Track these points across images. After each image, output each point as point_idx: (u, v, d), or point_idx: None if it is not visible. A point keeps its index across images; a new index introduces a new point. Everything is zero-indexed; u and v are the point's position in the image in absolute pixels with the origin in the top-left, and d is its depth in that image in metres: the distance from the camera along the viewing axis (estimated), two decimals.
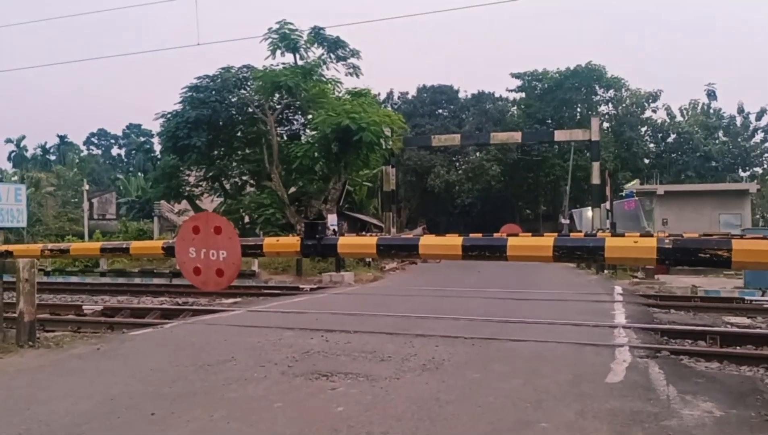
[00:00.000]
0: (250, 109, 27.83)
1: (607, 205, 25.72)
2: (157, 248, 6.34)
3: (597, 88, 44.93)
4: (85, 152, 76.57)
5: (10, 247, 7.91)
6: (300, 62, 27.03)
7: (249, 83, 28.12)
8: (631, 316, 11.03)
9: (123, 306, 14.28)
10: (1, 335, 8.29)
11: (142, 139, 71.70)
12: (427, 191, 44.31)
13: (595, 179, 29.69)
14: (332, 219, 23.21)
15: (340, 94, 27.74)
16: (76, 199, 46.49)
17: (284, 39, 26.37)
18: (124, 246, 6.72)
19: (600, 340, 8.37)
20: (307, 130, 28.91)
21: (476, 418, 4.87)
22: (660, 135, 45.98)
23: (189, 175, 30.73)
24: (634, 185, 31.70)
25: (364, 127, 23.35)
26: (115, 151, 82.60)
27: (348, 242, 5.38)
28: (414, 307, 12.33)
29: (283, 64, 27.00)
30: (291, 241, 5.38)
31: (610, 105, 45.97)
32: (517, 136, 34.84)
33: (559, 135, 33.70)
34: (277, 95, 27.30)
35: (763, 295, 14.91)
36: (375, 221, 34.36)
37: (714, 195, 26.28)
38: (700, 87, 57.36)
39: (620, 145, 43.34)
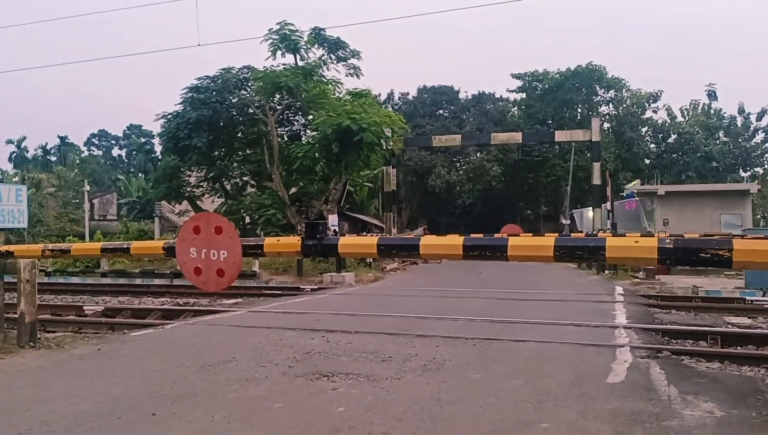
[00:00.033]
0: (251, 110, 27.85)
1: (608, 205, 25.71)
2: (157, 248, 6.35)
3: (597, 88, 44.93)
4: (86, 153, 76.63)
5: (11, 248, 7.91)
6: (300, 63, 27.06)
7: (249, 84, 28.15)
8: (632, 316, 11.02)
9: (124, 307, 14.28)
10: (2, 336, 8.30)
11: (142, 139, 71.90)
12: (428, 192, 44.31)
13: (596, 180, 29.69)
14: (333, 219, 23.21)
15: (341, 95, 27.76)
16: (77, 200, 46.49)
17: (285, 40, 26.40)
18: (124, 246, 6.73)
19: (601, 340, 8.37)
20: (308, 131, 28.93)
21: (477, 419, 4.87)
22: (661, 135, 45.98)
23: (190, 176, 30.76)
24: (634, 186, 31.70)
25: (364, 127, 23.35)
26: (115, 151, 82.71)
27: (349, 242, 5.38)
28: (415, 307, 12.33)
29: (284, 64, 27.04)
30: (292, 241, 5.38)
31: (610, 105, 45.99)
32: (517, 137, 34.85)
33: (560, 135, 33.71)
34: (277, 96, 27.33)
35: (763, 296, 14.91)
36: (376, 222, 34.37)
37: (715, 195, 26.28)
38: (700, 87, 57.46)
39: (621, 145, 43.33)
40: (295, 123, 30.34)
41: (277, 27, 26.37)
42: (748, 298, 14.34)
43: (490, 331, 8.99)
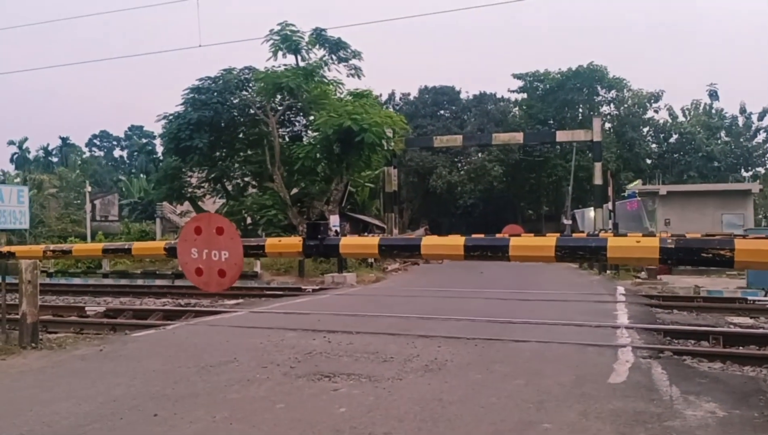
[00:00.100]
0: (252, 111, 27.88)
1: (610, 205, 25.67)
2: (159, 249, 6.34)
3: (599, 88, 44.91)
4: (88, 154, 76.71)
5: (13, 249, 7.91)
6: (301, 63, 27.09)
7: (251, 85, 28.19)
8: (634, 316, 11.01)
9: (125, 307, 14.30)
10: (4, 336, 8.31)
11: (144, 140, 72.00)
12: (429, 192, 44.30)
13: (598, 180, 29.66)
14: (334, 220, 23.20)
15: (342, 96, 27.79)
16: (79, 201, 46.53)
17: (286, 40, 26.43)
18: (126, 247, 6.72)
19: (602, 340, 8.36)
20: (309, 132, 28.97)
21: (479, 419, 4.87)
22: (662, 135, 45.96)
23: (191, 177, 30.80)
24: (636, 185, 31.66)
25: (365, 128, 23.36)
26: (117, 152, 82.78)
27: (350, 243, 5.37)
28: (416, 307, 12.33)
29: (285, 65, 27.09)
30: (293, 242, 5.37)
31: (612, 105, 45.98)
32: (519, 137, 34.82)
33: (561, 135, 33.68)
34: (278, 96, 27.36)
35: (765, 295, 14.88)
36: (377, 222, 34.37)
37: (716, 195, 26.24)
38: (702, 87, 57.37)
39: (622, 145, 43.30)
40: (297, 124, 30.38)
41: (278, 28, 26.42)
42: (749, 298, 14.33)
43: (492, 332, 8.99)
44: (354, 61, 27.79)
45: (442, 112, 48.34)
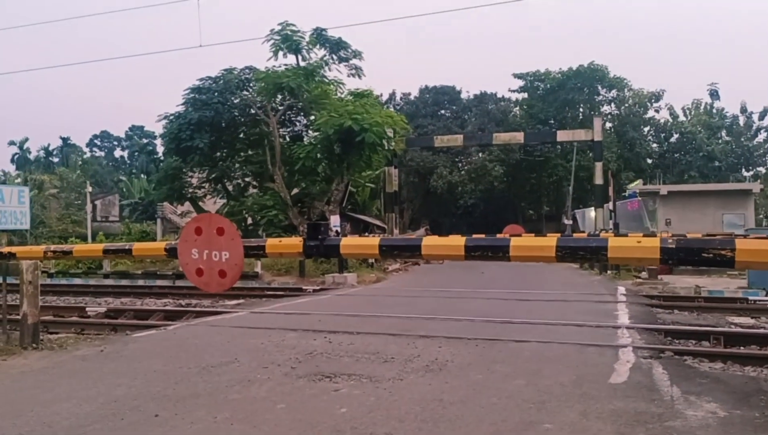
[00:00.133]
0: (253, 111, 27.88)
1: (610, 205, 25.66)
2: (159, 250, 6.35)
3: (599, 88, 44.90)
4: (88, 154, 76.74)
5: (14, 249, 7.92)
6: (302, 63, 27.09)
7: (251, 84, 28.18)
8: (635, 316, 11.01)
9: (126, 308, 14.31)
10: (5, 337, 8.32)
11: (144, 140, 72.08)
12: (430, 192, 44.30)
13: (598, 179, 29.65)
14: (335, 220, 23.20)
15: (343, 95, 27.79)
16: (79, 201, 46.54)
17: (286, 40, 26.42)
18: (126, 248, 6.73)
19: (603, 340, 8.36)
20: (310, 132, 28.96)
21: (480, 419, 4.87)
22: (663, 135, 45.93)
23: (192, 177, 30.80)
24: (637, 185, 31.64)
25: (366, 128, 23.36)
26: (117, 153, 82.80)
27: (350, 243, 5.38)
28: (417, 308, 12.33)
29: (286, 65, 27.08)
30: (293, 242, 5.38)
31: (612, 105, 45.97)
32: (519, 137, 34.81)
33: (562, 135, 33.67)
34: (279, 96, 27.36)
35: (766, 295, 14.87)
36: (378, 222, 34.35)
37: (717, 195, 26.22)
38: (702, 87, 57.35)
39: (623, 145, 43.28)
40: (297, 124, 30.38)
41: (279, 28, 26.41)
42: (750, 298, 14.32)
43: (493, 332, 8.99)
44: (354, 61, 27.82)
45: (442, 111, 48.35)
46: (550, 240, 4.46)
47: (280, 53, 26.68)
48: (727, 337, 8.97)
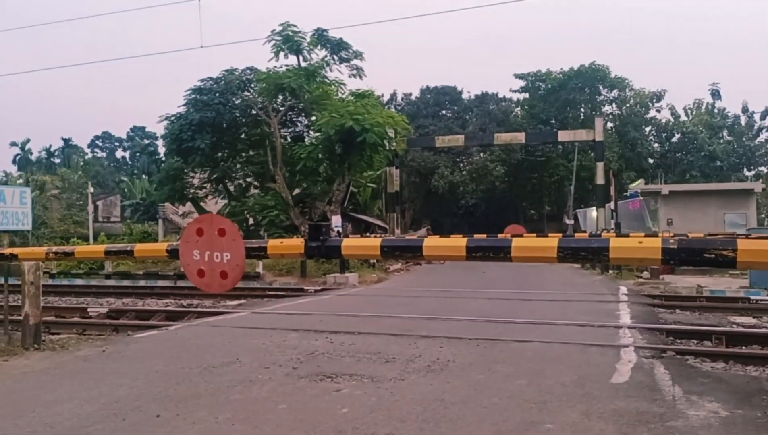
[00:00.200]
0: (254, 111, 27.89)
1: (612, 205, 25.67)
2: (161, 251, 6.35)
3: (601, 88, 44.86)
4: (90, 155, 76.86)
5: (15, 250, 7.93)
6: (303, 64, 27.10)
7: (252, 85, 28.19)
8: (636, 316, 11.01)
9: (128, 308, 14.32)
10: (6, 338, 8.33)
11: (146, 141, 72.17)
12: (431, 192, 44.29)
13: (600, 179, 29.65)
14: (336, 220, 23.21)
15: (344, 96, 27.80)
16: (81, 202, 46.60)
17: (287, 41, 26.43)
18: (128, 249, 6.74)
19: (605, 340, 8.36)
20: (311, 132, 28.98)
21: (481, 419, 4.86)
22: (664, 135, 45.87)
23: (193, 178, 30.81)
24: (638, 185, 31.60)
25: (367, 128, 23.37)
26: (119, 153, 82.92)
27: (352, 244, 5.37)
28: (418, 308, 12.33)
29: (287, 66, 27.10)
30: (295, 243, 5.37)
31: (614, 105, 45.91)
32: (520, 137, 34.82)
33: (563, 135, 33.67)
34: (280, 97, 27.37)
35: None
36: (379, 222, 34.36)
37: (719, 194, 26.17)
38: (704, 86, 57.24)
39: (624, 145, 43.25)
40: (298, 124, 30.38)
41: (280, 28, 26.43)
42: (752, 297, 14.29)
43: (494, 332, 8.99)
44: (355, 62, 27.82)
45: (443, 112, 48.33)
46: (552, 240, 4.45)
47: (281, 54, 26.72)
48: (729, 336, 8.96)
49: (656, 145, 46.28)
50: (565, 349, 7.73)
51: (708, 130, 43.72)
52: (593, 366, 6.76)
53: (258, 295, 16.44)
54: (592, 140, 30.77)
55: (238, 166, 30.35)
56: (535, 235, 17.14)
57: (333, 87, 27.64)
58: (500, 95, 48.66)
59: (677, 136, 45.23)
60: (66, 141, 73.26)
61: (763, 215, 36.53)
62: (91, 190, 41.86)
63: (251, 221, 28.88)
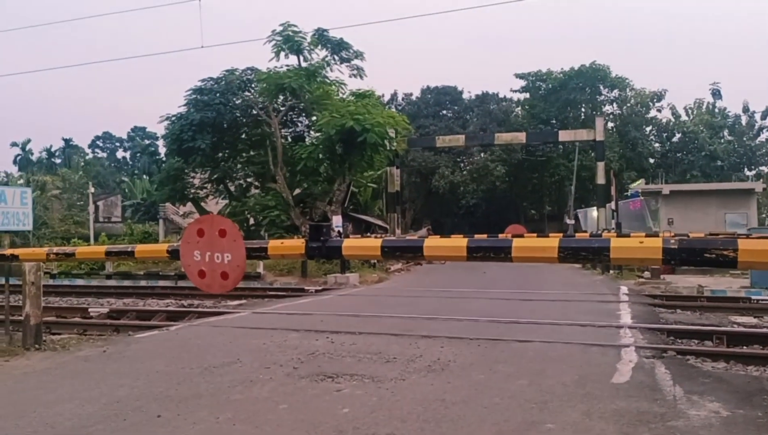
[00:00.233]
0: (255, 111, 27.90)
1: (613, 205, 25.66)
2: (162, 251, 6.35)
3: (601, 88, 44.84)
4: (90, 155, 76.91)
5: (16, 251, 7.93)
6: (304, 64, 27.10)
7: (253, 85, 28.19)
8: (637, 316, 11.00)
9: (129, 308, 14.33)
10: (7, 338, 8.33)
11: (146, 141, 72.20)
12: (432, 192, 44.28)
13: (600, 179, 29.63)
14: (337, 220, 23.21)
15: (344, 96, 27.79)
16: (82, 202, 46.63)
17: (288, 41, 26.43)
18: (129, 250, 6.74)
19: (606, 340, 8.35)
20: (312, 132, 28.98)
21: (482, 419, 4.86)
22: (665, 134, 45.85)
23: (194, 178, 30.83)
24: (639, 185, 31.60)
25: (368, 128, 23.37)
26: (120, 154, 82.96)
27: (353, 244, 5.38)
28: (419, 308, 12.33)
29: (287, 66, 27.11)
30: (296, 244, 5.37)
31: (614, 105, 45.90)
32: (521, 137, 34.81)
33: (564, 135, 33.65)
34: (281, 97, 27.37)
35: None
36: (380, 222, 34.37)
37: (720, 194, 26.17)
38: (705, 86, 57.24)
39: (625, 144, 43.23)
40: (299, 124, 30.39)
41: (281, 28, 26.44)
42: (753, 297, 14.29)
43: (495, 332, 8.99)
44: (356, 62, 27.83)
45: (444, 112, 48.32)
46: (553, 241, 4.45)
47: (282, 54, 26.72)
48: (730, 336, 8.96)
49: (657, 144, 46.27)
50: (566, 349, 7.73)
51: (709, 130, 43.70)
52: (594, 366, 6.76)
53: (259, 295, 16.45)
54: (593, 140, 30.75)
55: (239, 166, 30.36)
56: (535, 235, 17.16)
57: (333, 87, 27.64)
58: (501, 95, 48.71)
59: (678, 135, 45.21)
60: (67, 141, 73.34)
61: (763, 215, 36.51)
62: (92, 190, 41.89)
63: (252, 221, 28.89)
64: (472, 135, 38.55)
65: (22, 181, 50.14)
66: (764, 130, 44.65)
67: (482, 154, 43.45)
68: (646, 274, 19.04)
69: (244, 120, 28.63)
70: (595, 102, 45.15)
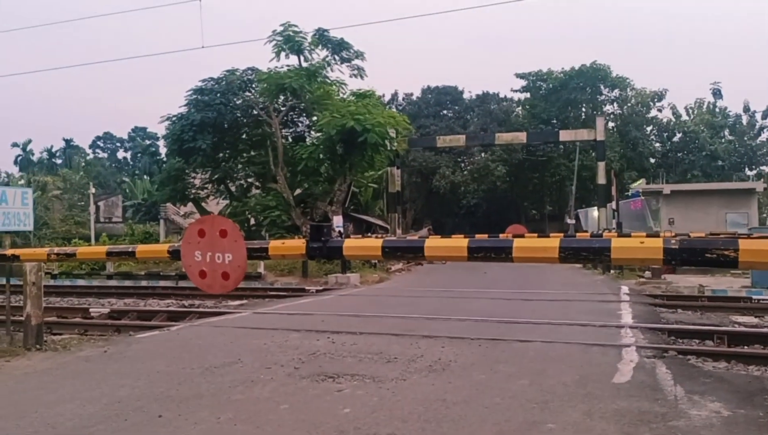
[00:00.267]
0: (255, 112, 27.91)
1: (613, 204, 25.65)
2: (162, 252, 6.35)
3: (602, 87, 44.80)
4: (91, 156, 76.95)
5: (17, 251, 7.94)
6: (304, 64, 27.10)
7: (254, 85, 28.20)
8: (638, 316, 10.99)
9: (130, 308, 14.34)
10: (8, 338, 8.34)
11: (147, 142, 72.22)
12: (433, 192, 44.27)
13: (601, 179, 29.61)
14: (338, 220, 23.21)
15: (345, 96, 27.79)
16: (83, 203, 46.69)
17: (288, 41, 26.43)
18: (130, 250, 6.75)
19: (607, 340, 8.35)
20: (312, 132, 28.98)
21: (483, 419, 4.86)
22: (666, 134, 45.82)
23: (194, 178, 30.84)
24: (640, 185, 31.59)
25: (368, 128, 23.37)
26: (120, 154, 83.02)
27: (353, 245, 5.38)
28: (420, 308, 12.33)
29: (288, 66, 27.10)
30: (296, 244, 5.38)
31: (615, 104, 45.86)
32: (522, 137, 34.79)
33: (564, 135, 33.63)
34: (281, 97, 27.37)
35: None
36: (380, 222, 34.37)
37: (720, 194, 26.15)
38: (705, 86, 57.19)
39: (626, 144, 43.21)
40: (300, 124, 30.40)
41: (281, 28, 26.43)
42: (754, 297, 14.28)
43: (496, 332, 8.98)
44: (357, 62, 27.82)
45: (445, 112, 48.30)
46: (553, 241, 4.45)
47: (283, 54, 26.72)
48: (731, 336, 8.96)
49: (657, 144, 46.24)
50: (567, 349, 7.73)
51: (709, 130, 43.67)
52: (595, 366, 6.76)
53: (259, 295, 16.46)
54: (594, 140, 30.73)
55: (240, 166, 30.37)
56: (536, 235, 17.18)
57: (334, 87, 27.64)
58: (501, 95, 48.67)
59: (678, 135, 45.19)
60: (67, 142, 73.41)
61: (764, 215, 36.49)
62: (93, 190, 41.94)
63: (253, 222, 28.91)
64: (473, 135, 38.53)
65: (23, 182, 50.20)
66: (765, 130, 44.65)
67: (483, 154, 43.43)
68: (647, 273, 19.03)
69: (245, 120, 28.64)
70: (595, 102, 45.12)
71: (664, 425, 4.63)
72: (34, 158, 70.16)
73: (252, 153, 29.59)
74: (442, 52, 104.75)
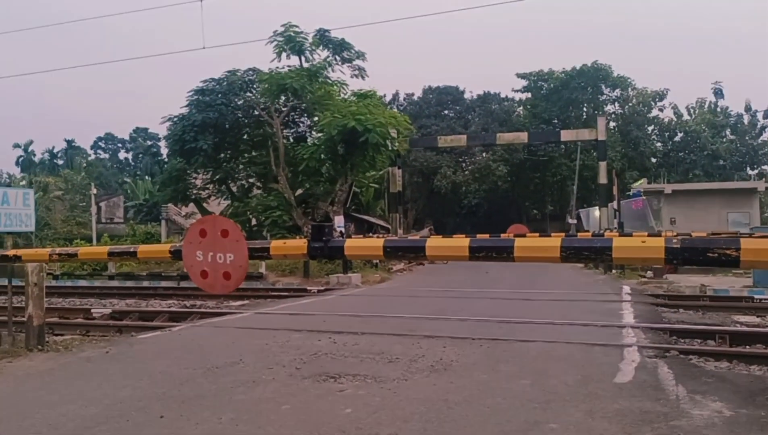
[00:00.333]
0: (256, 112, 27.91)
1: (615, 204, 25.64)
2: (164, 252, 6.36)
3: (603, 87, 44.77)
4: (93, 156, 76.99)
5: (19, 252, 7.94)
6: (305, 64, 27.09)
7: (255, 86, 28.20)
8: (640, 315, 10.99)
9: (131, 309, 14.34)
10: (10, 339, 8.34)
11: (149, 142, 72.25)
12: (434, 192, 44.25)
13: (602, 179, 29.60)
14: (339, 220, 23.22)
15: (346, 96, 27.77)
16: (84, 203, 46.71)
17: (290, 41, 26.43)
18: (131, 250, 6.75)
19: (608, 340, 8.34)
20: (313, 132, 28.97)
21: (484, 419, 4.86)
22: (667, 134, 45.79)
23: (196, 178, 30.85)
24: (641, 184, 31.57)
25: (370, 128, 23.37)
26: (122, 154, 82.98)
27: (355, 244, 5.37)
28: (421, 308, 12.33)
29: (289, 66, 27.08)
30: (298, 244, 5.38)
31: (616, 104, 45.83)
32: (523, 137, 34.80)
33: (566, 135, 33.62)
34: (282, 97, 27.37)
35: None
36: (382, 223, 34.36)
37: (722, 193, 26.15)
38: (706, 86, 57.14)
39: (627, 144, 43.18)
40: (301, 124, 30.39)
41: (282, 29, 26.42)
42: (756, 296, 14.26)
43: (497, 332, 8.98)
44: (358, 62, 27.79)
45: (446, 112, 48.24)
46: (555, 240, 4.45)
47: (284, 54, 26.70)
48: (733, 336, 8.94)
49: (659, 144, 46.21)
50: (568, 349, 7.72)
51: (711, 129, 43.65)
52: (597, 365, 6.76)
53: (261, 295, 16.47)
54: (595, 139, 30.72)
55: (241, 166, 30.38)
56: (537, 234, 17.16)
57: (335, 87, 27.62)
58: (502, 95, 48.57)
59: (680, 135, 45.16)
60: (69, 142, 73.46)
61: (766, 214, 36.44)
62: (94, 191, 41.94)
63: (254, 222, 28.92)
64: (474, 135, 38.53)
65: (24, 183, 50.24)
66: (766, 130, 44.63)
67: (484, 154, 43.39)
68: (649, 273, 19.02)
69: (246, 120, 28.65)
70: (596, 101, 45.09)
71: (666, 425, 4.62)
72: (36, 159, 70.23)
73: (253, 153, 29.60)
74: (443, 52, 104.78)
